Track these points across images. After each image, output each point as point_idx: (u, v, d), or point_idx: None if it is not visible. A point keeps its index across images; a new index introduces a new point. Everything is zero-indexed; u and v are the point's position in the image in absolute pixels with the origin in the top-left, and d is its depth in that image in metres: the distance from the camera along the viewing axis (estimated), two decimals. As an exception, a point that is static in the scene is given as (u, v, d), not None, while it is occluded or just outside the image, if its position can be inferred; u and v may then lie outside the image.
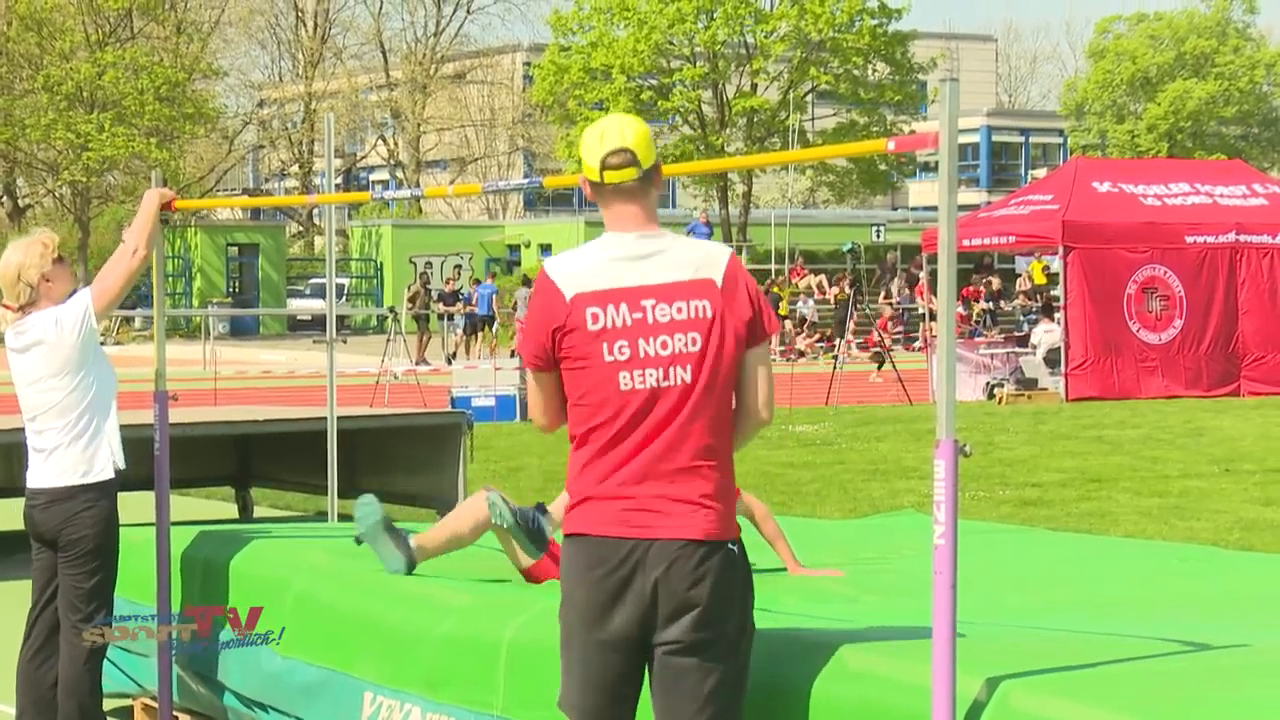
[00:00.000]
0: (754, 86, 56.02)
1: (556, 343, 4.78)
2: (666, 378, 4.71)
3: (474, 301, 44.21)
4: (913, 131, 52.41)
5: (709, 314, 4.74)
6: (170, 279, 55.78)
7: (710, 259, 4.81)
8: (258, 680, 6.86)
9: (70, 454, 6.84)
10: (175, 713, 7.27)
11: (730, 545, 4.74)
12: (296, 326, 55.10)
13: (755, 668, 5.09)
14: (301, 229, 73.52)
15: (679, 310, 4.73)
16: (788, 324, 43.79)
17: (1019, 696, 4.47)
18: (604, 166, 4.83)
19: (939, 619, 4.45)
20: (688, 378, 4.72)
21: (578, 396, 4.79)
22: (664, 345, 4.72)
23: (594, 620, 4.74)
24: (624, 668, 4.76)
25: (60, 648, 6.90)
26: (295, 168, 74.35)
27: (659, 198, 4.99)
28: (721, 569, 4.70)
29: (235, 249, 57.45)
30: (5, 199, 61.74)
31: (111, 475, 6.89)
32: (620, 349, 4.72)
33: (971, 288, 44.82)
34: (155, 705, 7.40)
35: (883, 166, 56.63)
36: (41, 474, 6.90)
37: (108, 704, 8.13)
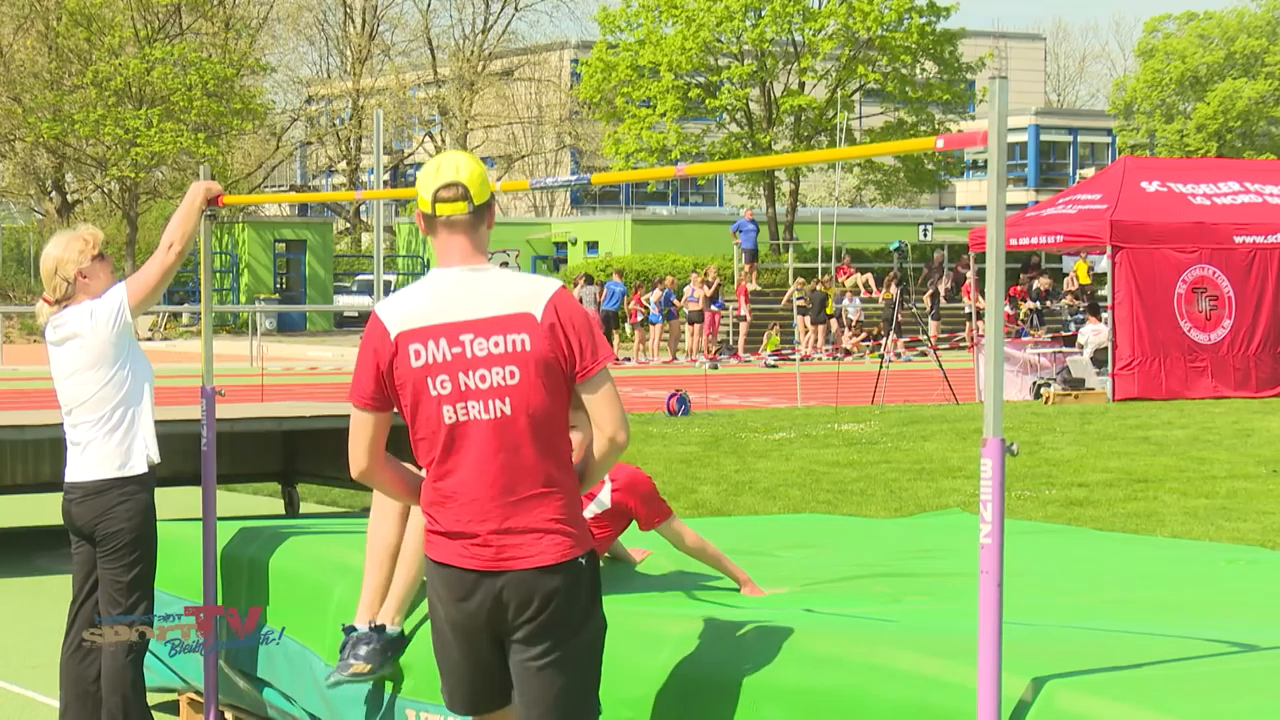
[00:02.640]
0: (802, 85, 55.92)
1: (385, 382, 4.94)
2: (487, 410, 4.86)
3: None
4: (960, 131, 52.30)
5: (527, 347, 4.86)
6: (217, 275, 55.99)
7: (532, 294, 4.92)
8: (304, 686, 6.85)
9: (105, 447, 6.86)
10: (220, 708, 7.29)
11: (580, 560, 4.90)
12: (343, 323, 55.26)
13: (800, 668, 5.11)
14: (348, 225, 73.70)
15: (496, 344, 4.86)
16: (834, 323, 43.69)
17: (1065, 697, 4.46)
18: (436, 199, 4.97)
19: (985, 618, 4.44)
20: (507, 410, 4.86)
21: (414, 431, 4.96)
22: (483, 379, 4.86)
23: (458, 633, 4.97)
24: (491, 669, 4.99)
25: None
26: (342, 164, 74.52)
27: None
28: (571, 587, 4.88)
29: (283, 245, 57.63)
30: (54, 194, 62.06)
31: (145, 469, 6.92)
32: (442, 383, 4.88)
33: (1019, 287, 44.66)
34: (201, 700, 7.42)
35: (930, 165, 56.47)
36: (78, 468, 6.93)
37: (153, 698, 8.17)
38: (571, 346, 4.89)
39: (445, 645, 5.05)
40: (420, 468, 5.06)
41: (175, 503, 12.68)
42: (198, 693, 7.53)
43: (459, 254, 4.99)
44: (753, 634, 5.48)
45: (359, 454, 5.04)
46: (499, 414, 4.85)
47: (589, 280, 45.50)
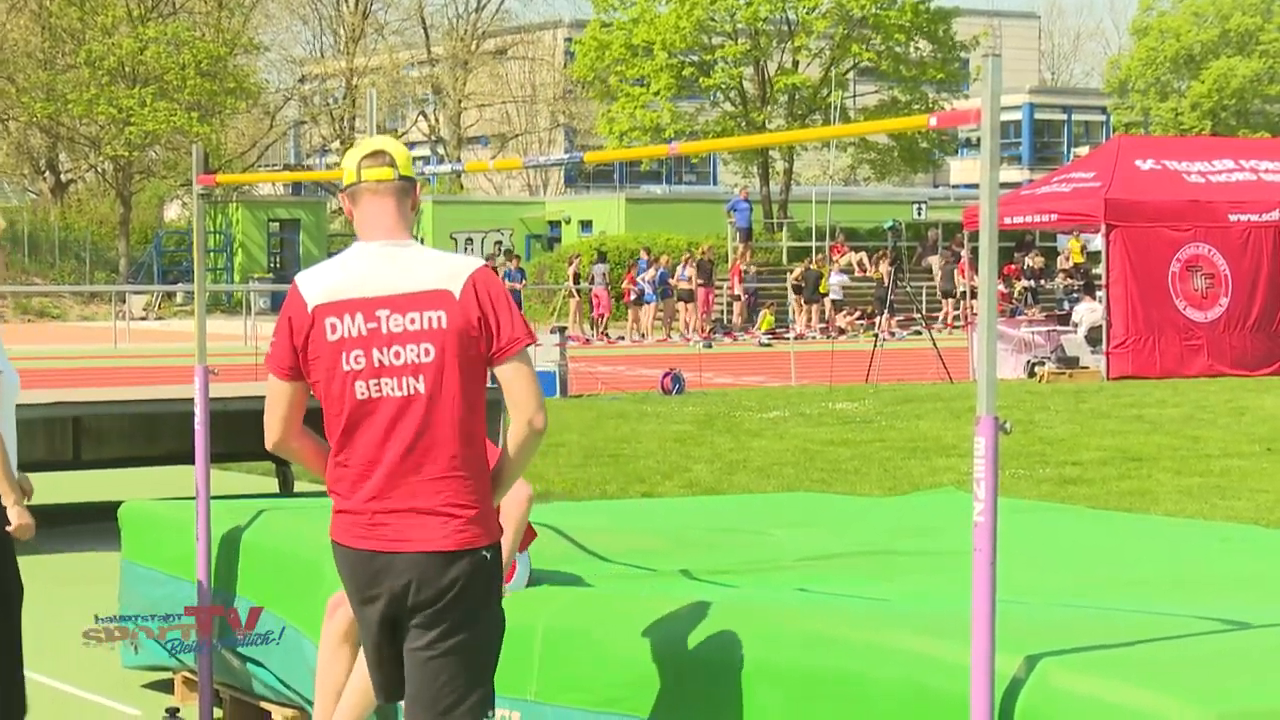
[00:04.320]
0: (796, 63, 55.83)
1: (300, 354, 4.86)
2: (400, 388, 4.79)
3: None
4: (955, 109, 52.25)
5: (443, 324, 4.79)
6: (211, 254, 55.92)
7: (452, 271, 4.85)
8: (296, 668, 6.85)
9: None
10: (215, 687, 7.29)
11: (483, 552, 4.80)
12: (337, 302, 55.24)
13: (796, 648, 5.11)
14: (342, 205, 73.63)
15: (412, 321, 4.79)
16: (827, 301, 43.68)
17: (1059, 675, 4.46)
18: (360, 166, 4.95)
19: (978, 597, 4.43)
20: (421, 388, 4.78)
21: (325, 406, 4.88)
22: (397, 355, 4.79)
23: (360, 613, 4.92)
24: (393, 648, 4.89)
25: None
26: (336, 143, 74.40)
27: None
28: (470, 576, 4.78)
29: (276, 224, 57.59)
30: (48, 174, 61.99)
31: None
32: (356, 358, 4.80)
33: (1013, 265, 44.67)
34: (195, 679, 7.42)
35: (924, 144, 56.39)
36: None
37: (148, 677, 8.19)
38: (489, 325, 4.81)
39: (363, 632, 4.98)
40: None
41: (169, 482, 12.68)
42: (192, 672, 7.53)
43: (384, 226, 4.92)
44: (746, 614, 5.48)
45: (274, 424, 4.97)
46: (411, 391, 4.78)
47: (602, 258, 45.44)
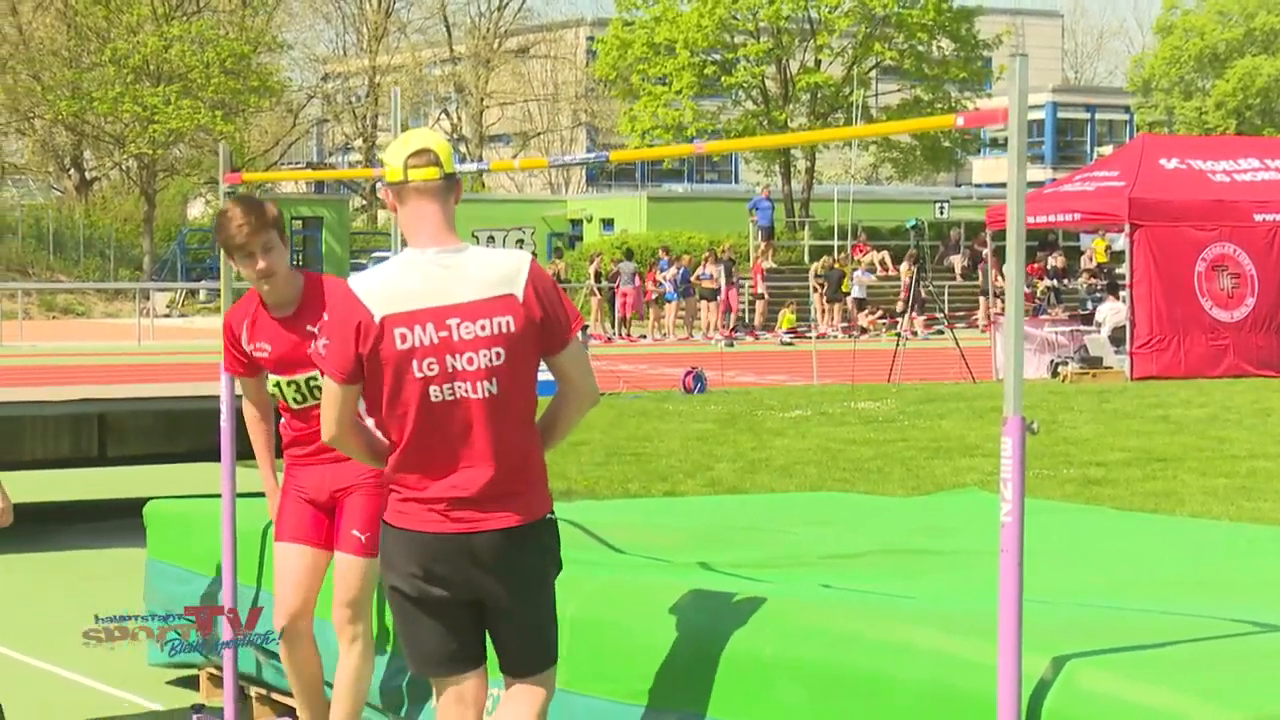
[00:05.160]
0: (818, 62, 55.81)
1: (364, 361, 5.00)
2: (475, 390, 4.98)
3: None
4: (978, 108, 52.14)
5: (511, 328, 5.00)
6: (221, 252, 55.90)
7: (510, 273, 5.03)
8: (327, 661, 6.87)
9: None
10: (240, 683, 7.30)
11: (549, 515, 5.12)
12: (359, 299, 55.27)
13: (818, 645, 5.11)
14: (365, 203, 73.75)
15: (483, 328, 4.98)
16: (849, 301, 43.65)
17: (1087, 676, 4.44)
18: (407, 165, 5.05)
19: (1005, 597, 4.43)
20: (495, 389, 4.99)
21: (391, 409, 5.02)
22: (470, 361, 4.98)
23: (428, 597, 5.05)
24: (465, 631, 5.10)
25: None
26: (359, 142, 74.57)
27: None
28: (539, 543, 5.07)
29: (299, 222, 57.62)
30: (73, 171, 62.17)
31: None
32: (429, 365, 4.97)
33: (1036, 265, 44.57)
34: (220, 674, 7.43)
35: (947, 143, 56.37)
36: None
37: (173, 674, 8.21)
38: (549, 319, 5.05)
39: (408, 614, 5.12)
40: (390, 439, 5.12)
41: (194, 479, 12.70)
42: (217, 668, 7.55)
43: (431, 229, 5.05)
44: (769, 609, 5.47)
45: (330, 423, 5.13)
46: (486, 394, 4.98)
47: (629, 255, 45.42)
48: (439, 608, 5.07)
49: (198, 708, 7.54)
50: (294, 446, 6.53)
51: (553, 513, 5.15)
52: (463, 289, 4.97)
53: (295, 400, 6.48)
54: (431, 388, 4.96)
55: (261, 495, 6.80)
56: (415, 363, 4.96)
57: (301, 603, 6.48)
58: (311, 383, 6.37)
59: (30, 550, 11.80)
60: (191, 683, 8.09)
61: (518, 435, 5.03)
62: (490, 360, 4.96)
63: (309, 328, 6.31)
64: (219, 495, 7.26)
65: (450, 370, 4.95)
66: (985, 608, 5.11)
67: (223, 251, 6.43)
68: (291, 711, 7.20)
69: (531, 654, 5.13)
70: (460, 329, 4.95)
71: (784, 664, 5.18)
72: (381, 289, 5.01)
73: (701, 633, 5.46)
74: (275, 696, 7.38)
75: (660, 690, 5.47)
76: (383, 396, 5.03)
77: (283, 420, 6.59)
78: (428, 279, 4.99)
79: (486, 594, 5.05)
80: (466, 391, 4.96)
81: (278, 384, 6.50)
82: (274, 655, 7.15)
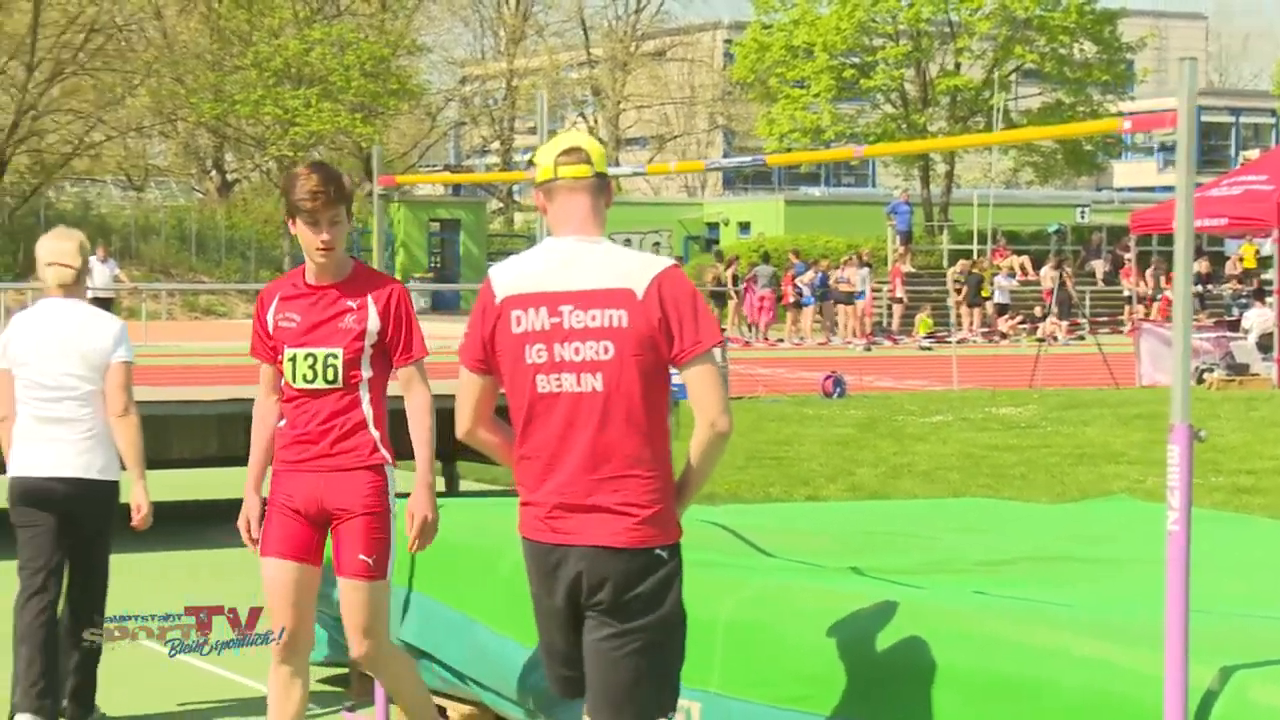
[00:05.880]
0: (958, 65, 55.47)
1: (488, 346, 4.92)
2: (579, 384, 4.81)
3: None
4: (1120, 113, 51.57)
5: (623, 324, 4.78)
6: (373, 254, 56.40)
7: (638, 270, 4.85)
8: (472, 658, 6.90)
9: None
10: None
11: (658, 551, 4.80)
12: (497, 302, 55.46)
13: (976, 652, 5.06)
14: (502, 205, 74.14)
15: (593, 318, 4.80)
16: (989, 306, 43.32)
17: (1258, 689, 4.36)
18: (558, 163, 4.97)
19: (1172, 606, 4.37)
20: (599, 385, 4.80)
21: (510, 398, 4.93)
22: (576, 351, 4.81)
23: (538, 606, 4.99)
24: (569, 643, 4.94)
25: None
26: (496, 144, 74.95)
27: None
28: (643, 574, 4.79)
29: (437, 224, 57.97)
30: (215, 173, 62.95)
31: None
32: (538, 352, 4.84)
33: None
34: (372, 675, 7.47)
35: (1089, 147, 55.78)
36: None
37: (323, 672, 8.27)
38: (670, 327, 4.79)
39: (538, 625, 5.04)
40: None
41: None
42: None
43: (576, 221, 4.96)
44: (925, 615, 5.44)
45: (464, 414, 5.04)
46: (589, 388, 4.80)
47: (766, 259, 45.35)
48: (556, 623, 4.94)
49: (349, 707, 7.59)
50: (289, 449, 6.20)
51: (669, 551, 4.83)
52: (582, 276, 4.84)
53: (304, 378, 6.13)
54: (539, 376, 4.84)
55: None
56: (527, 347, 4.85)
57: (299, 619, 6.25)
58: (329, 360, 6.10)
59: (178, 548, 11.97)
60: (342, 681, 8.16)
61: (623, 443, 4.79)
62: (597, 354, 4.78)
63: (347, 302, 6.14)
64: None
65: (557, 359, 4.82)
66: (1145, 616, 5.04)
67: (287, 211, 6.13)
68: (443, 711, 7.23)
69: (606, 700, 4.83)
70: (571, 316, 4.81)
71: (941, 670, 5.14)
72: (510, 272, 4.97)
73: (856, 638, 5.43)
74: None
75: (815, 695, 5.43)
76: (504, 386, 4.94)
77: (281, 424, 6.27)
78: (552, 264, 4.89)
79: (579, 610, 4.86)
80: (571, 384, 4.81)
81: (293, 358, 6.14)
82: (424, 654, 7.19)
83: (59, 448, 7.31)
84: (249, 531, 6.35)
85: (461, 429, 5.07)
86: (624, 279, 4.82)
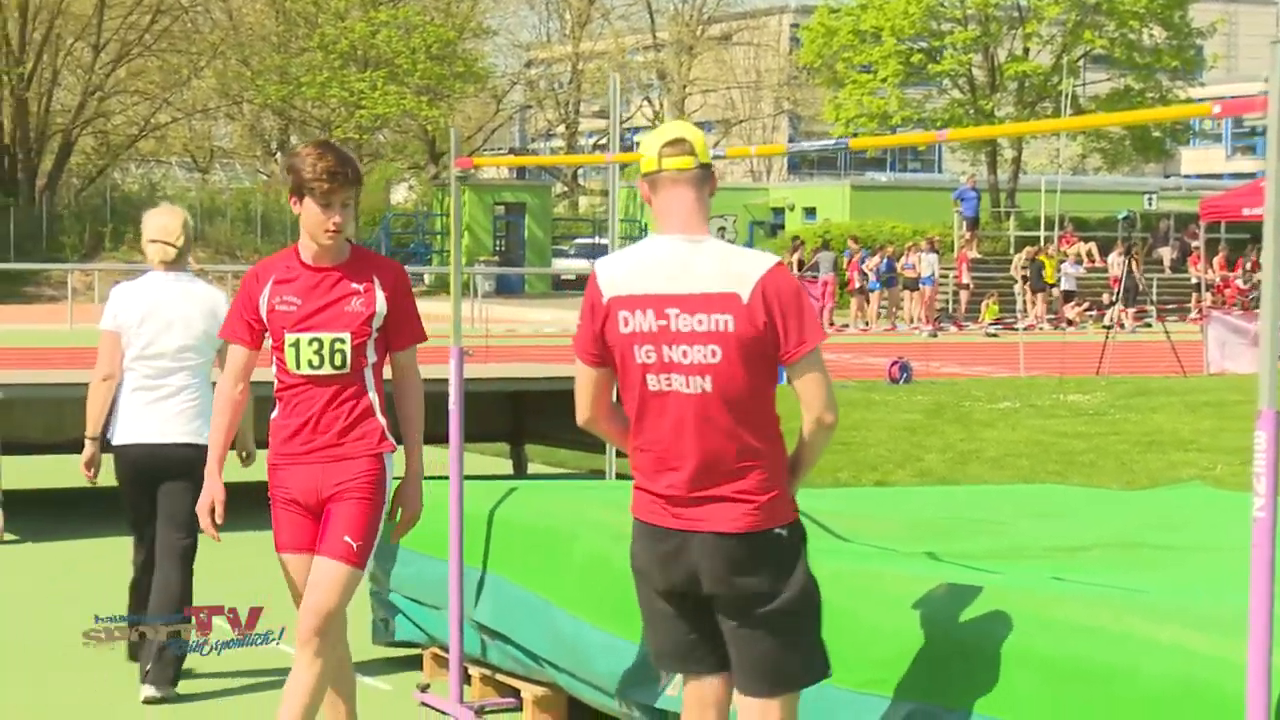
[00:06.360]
0: (1026, 50, 55.14)
1: (601, 341, 5.00)
2: (689, 386, 4.89)
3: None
4: (1189, 99, 51.21)
5: (730, 328, 4.85)
6: (439, 237, 56.62)
7: (743, 273, 4.89)
8: (546, 640, 6.92)
9: None
10: (464, 664, 7.37)
11: (776, 531, 4.93)
12: (561, 286, 55.55)
13: (1053, 637, 5.05)
14: (566, 189, 74.20)
15: (700, 322, 4.86)
16: (1055, 292, 43.08)
17: (1343, 676, 4.34)
18: (662, 155, 5.01)
19: (1256, 593, 4.33)
20: (709, 387, 4.88)
21: (625, 393, 5.04)
22: (684, 354, 4.88)
23: (661, 589, 5.04)
24: (698, 630, 5.04)
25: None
26: (561, 128, 75.00)
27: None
28: (765, 554, 4.91)
29: (502, 208, 58.08)
30: (280, 155, 63.16)
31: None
32: (647, 353, 4.93)
33: (1253, 258, 43.70)
34: (445, 655, 7.51)
35: (1157, 133, 55.38)
36: None
37: (398, 653, 8.30)
38: (777, 329, 4.86)
39: (649, 600, 5.12)
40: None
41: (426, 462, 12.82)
42: (442, 648, 7.63)
43: (681, 216, 4.99)
44: (1001, 599, 5.43)
45: (583, 405, 5.15)
46: (699, 390, 4.88)
47: (826, 246, 45.23)
48: (671, 601, 5.05)
49: (423, 687, 7.63)
50: (290, 441, 6.03)
51: (788, 529, 4.97)
52: (688, 280, 4.89)
53: (309, 363, 5.97)
54: (649, 375, 4.93)
55: (487, 479, 6.73)
56: (635, 348, 4.94)
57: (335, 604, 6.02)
58: (336, 344, 5.97)
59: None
60: (415, 663, 8.19)
61: (736, 440, 4.89)
62: (705, 357, 4.86)
63: (352, 285, 6.02)
64: (445, 478, 7.33)
65: (666, 361, 4.90)
66: (1225, 603, 5.02)
67: (292, 189, 6.01)
68: (516, 693, 7.27)
69: (753, 675, 4.99)
70: (678, 320, 4.88)
71: (1018, 655, 5.13)
72: (615, 271, 5.02)
73: (935, 622, 5.43)
74: (499, 677, 7.44)
75: (894, 679, 5.44)
76: (620, 380, 5.05)
77: (275, 415, 6.08)
78: (658, 265, 4.94)
79: (711, 598, 4.98)
80: (681, 385, 4.90)
81: (295, 343, 5.97)
82: (498, 636, 7.22)
83: (165, 416, 7.78)
84: (210, 515, 6.18)
85: (581, 418, 5.19)
86: (729, 282, 4.87)
